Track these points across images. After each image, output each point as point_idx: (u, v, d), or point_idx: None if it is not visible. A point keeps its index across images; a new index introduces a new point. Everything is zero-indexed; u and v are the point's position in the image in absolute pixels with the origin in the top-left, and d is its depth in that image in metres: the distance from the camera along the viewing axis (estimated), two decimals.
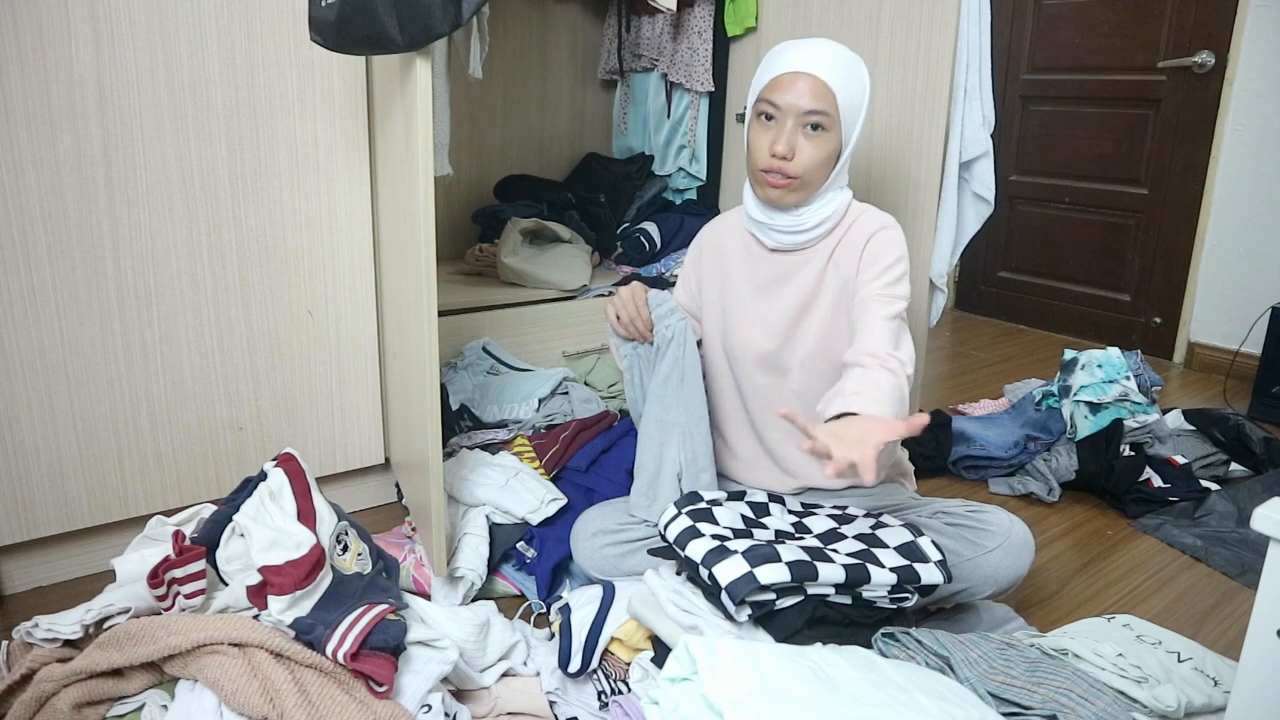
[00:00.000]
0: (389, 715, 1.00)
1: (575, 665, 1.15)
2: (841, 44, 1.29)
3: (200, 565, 1.07)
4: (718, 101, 2.34)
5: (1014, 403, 2.20)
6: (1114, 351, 2.05)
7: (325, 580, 1.10)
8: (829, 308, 1.33)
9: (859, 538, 1.17)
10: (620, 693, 1.13)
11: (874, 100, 1.59)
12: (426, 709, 1.05)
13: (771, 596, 1.06)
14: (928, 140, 1.76)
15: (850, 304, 1.30)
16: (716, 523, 1.17)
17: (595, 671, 1.17)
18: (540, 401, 1.85)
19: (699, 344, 1.43)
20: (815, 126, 1.25)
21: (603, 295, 2.13)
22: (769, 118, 1.27)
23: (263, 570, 1.06)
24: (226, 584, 1.10)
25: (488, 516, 1.49)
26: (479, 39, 1.90)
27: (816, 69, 1.24)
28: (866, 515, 1.24)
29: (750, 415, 1.42)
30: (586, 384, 2.02)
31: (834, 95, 1.24)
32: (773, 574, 1.04)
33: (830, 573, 1.06)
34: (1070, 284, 3.23)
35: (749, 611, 1.06)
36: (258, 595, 1.06)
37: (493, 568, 1.46)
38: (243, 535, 1.10)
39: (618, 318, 1.35)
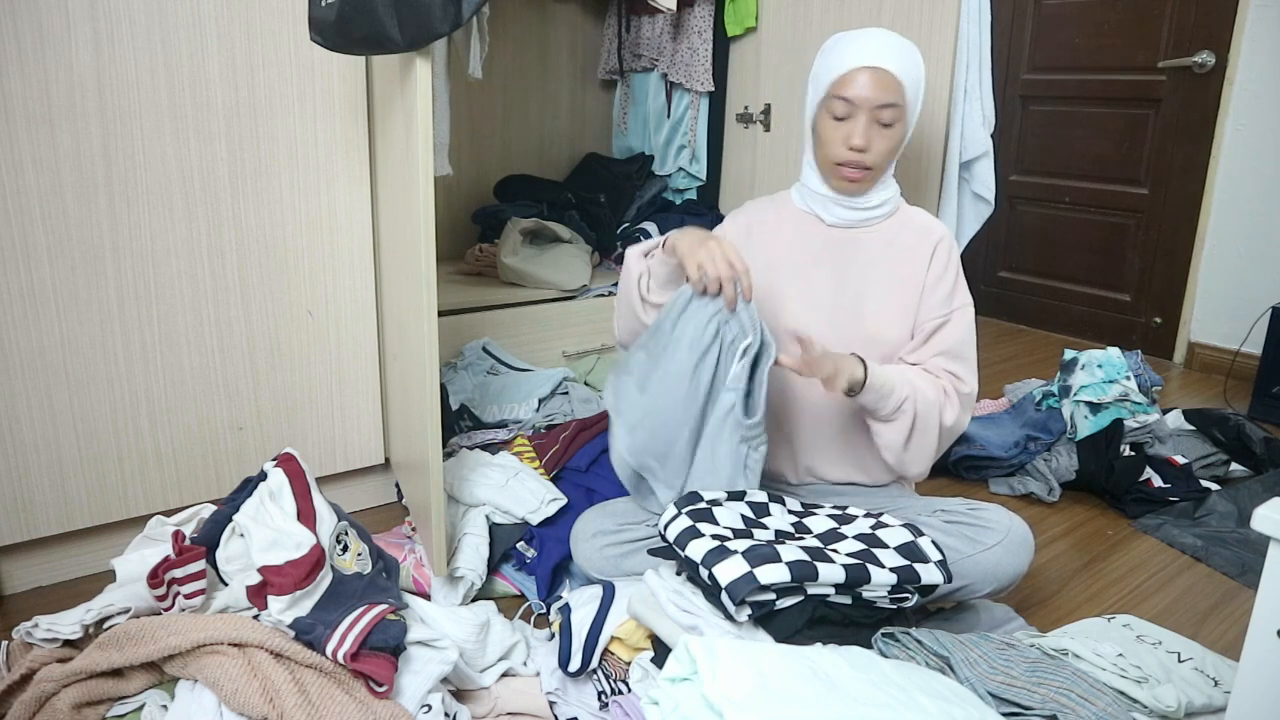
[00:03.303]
0: (389, 715, 1.00)
1: (575, 665, 1.15)
2: (892, 31, 1.33)
3: (200, 565, 1.07)
4: (718, 101, 2.34)
5: (1014, 403, 2.20)
6: (1114, 351, 2.05)
7: (325, 580, 1.10)
8: (878, 288, 1.36)
9: (859, 538, 1.17)
10: (620, 693, 1.13)
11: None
12: (426, 709, 1.05)
13: (771, 596, 1.06)
14: (928, 140, 1.76)
15: (919, 306, 1.35)
16: (716, 523, 1.16)
17: (595, 671, 1.17)
18: (540, 401, 1.85)
19: None
20: (887, 120, 1.29)
21: (602, 295, 2.13)
22: (842, 114, 1.30)
23: (263, 570, 1.06)
24: (226, 584, 1.10)
25: (488, 516, 1.49)
26: (479, 39, 1.90)
27: (884, 62, 1.28)
28: (866, 515, 1.24)
29: (772, 397, 1.42)
30: (586, 384, 2.02)
31: (902, 86, 1.28)
32: (773, 574, 1.04)
33: (830, 573, 1.06)
34: (1070, 284, 3.23)
35: (749, 611, 1.06)
36: (258, 595, 1.06)
37: (493, 568, 1.46)
38: (243, 535, 1.10)
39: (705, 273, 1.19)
